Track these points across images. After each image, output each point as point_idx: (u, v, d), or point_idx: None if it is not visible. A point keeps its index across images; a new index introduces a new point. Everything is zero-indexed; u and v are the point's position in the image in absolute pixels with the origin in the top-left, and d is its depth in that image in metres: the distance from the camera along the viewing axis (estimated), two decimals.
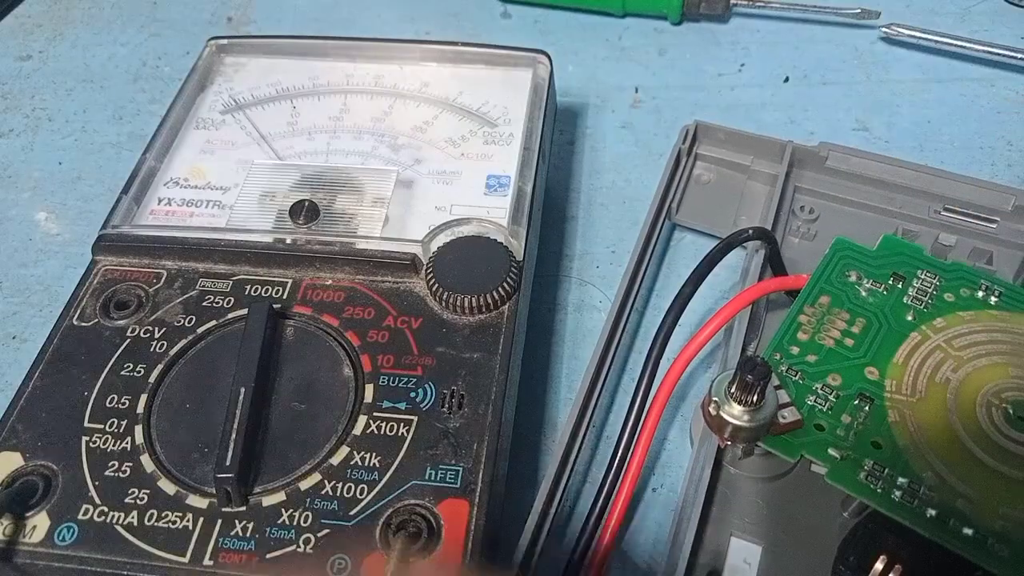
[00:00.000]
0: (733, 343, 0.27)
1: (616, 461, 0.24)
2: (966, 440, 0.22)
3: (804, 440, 0.23)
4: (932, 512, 0.21)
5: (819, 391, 0.24)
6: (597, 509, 0.24)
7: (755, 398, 0.22)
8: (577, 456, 0.26)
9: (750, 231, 0.28)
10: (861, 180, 0.33)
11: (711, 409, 0.23)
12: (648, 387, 0.25)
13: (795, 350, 0.25)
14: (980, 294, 0.25)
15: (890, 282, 0.26)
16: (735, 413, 0.22)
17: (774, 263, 0.29)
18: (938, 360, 0.24)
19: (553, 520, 0.24)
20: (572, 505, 0.27)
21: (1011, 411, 0.23)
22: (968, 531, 0.21)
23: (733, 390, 0.22)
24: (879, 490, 0.22)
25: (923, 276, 0.26)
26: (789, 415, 0.23)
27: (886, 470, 0.22)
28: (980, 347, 0.24)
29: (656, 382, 0.25)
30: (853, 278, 0.26)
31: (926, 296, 0.26)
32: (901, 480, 0.22)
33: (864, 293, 0.26)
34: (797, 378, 0.24)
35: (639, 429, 0.24)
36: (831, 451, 0.22)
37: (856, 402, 0.23)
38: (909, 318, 0.25)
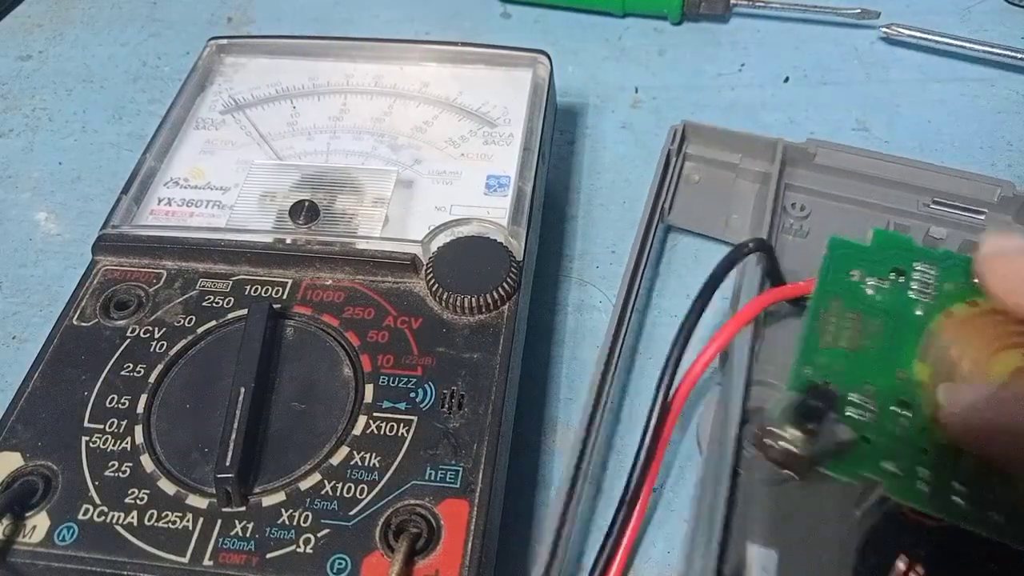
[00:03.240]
0: (737, 357, 0.27)
1: (633, 482, 0.24)
2: None
3: (857, 457, 0.22)
4: (999, 518, 0.20)
5: (858, 402, 0.23)
6: (617, 525, 0.23)
7: (818, 425, 0.21)
8: (590, 463, 0.26)
9: (750, 244, 0.27)
10: (851, 176, 0.32)
11: (769, 439, 0.22)
12: (661, 416, 0.24)
13: (823, 360, 0.24)
14: (976, 280, 0.25)
15: (891, 277, 0.26)
16: (796, 440, 0.21)
17: (772, 273, 0.28)
18: (958, 355, 0.23)
19: (570, 525, 0.24)
20: (584, 509, 0.27)
21: None
22: None
23: (795, 416, 0.21)
24: (941, 500, 0.21)
25: (920, 268, 0.26)
26: (844, 434, 0.22)
27: (942, 476, 0.21)
28: (996, 336, 0.23)
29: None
30: (856, 277, 0.26)
31: (928, 288, 0.25)
32: (959, 487, 0.21)
33: (870, 291, 0.25)
34: (833, 389, 0.23)
35: (654, 451, 0.24)
36: (885, 465, 0.21)
37: (895, 408, 0.23)
38: (919, 313, 0.25)
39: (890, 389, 0.23)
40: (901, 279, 0.26)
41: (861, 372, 0.23)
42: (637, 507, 0.24)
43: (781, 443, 0.22)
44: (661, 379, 0.25)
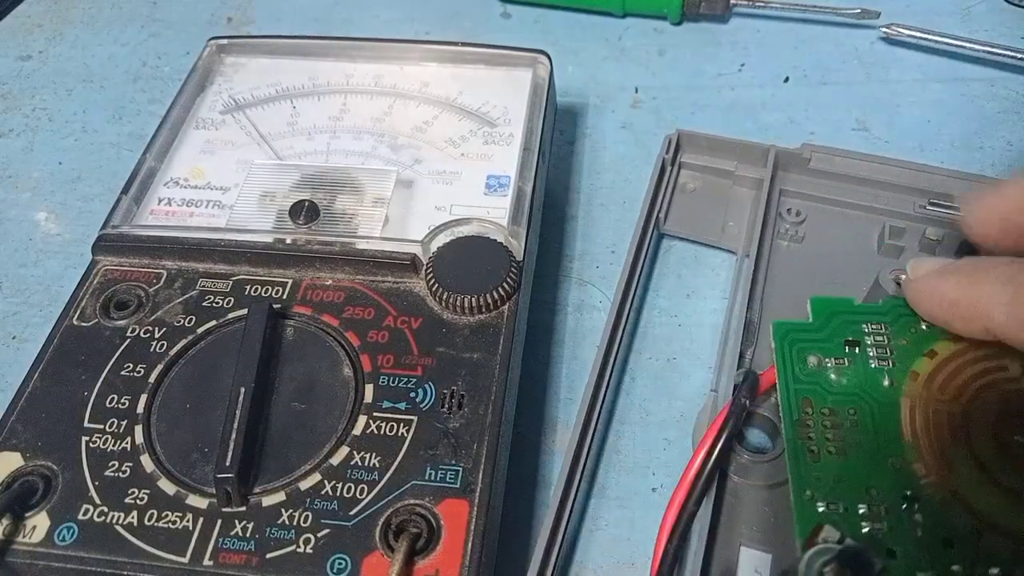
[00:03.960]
0: (728, 360, 0.27)
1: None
2: (1016, 490, 0.21)
3: None
4: None
5: (868, 513, 0.22)
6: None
7: None
8: (586, 461, 0.26)
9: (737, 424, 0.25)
10: (845, 179, 0.33)
11: None
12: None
13: (820, 477, 0.23)
14: (924, 325, 0.25)
15: (846, 351, 0.25)
16: None
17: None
18: (940, 419, 0.23)
19: (567, 524, 0.24)
20: (583, 508, 0.27)
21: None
22: None
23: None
24: None
25: (870, 330, 0.25)
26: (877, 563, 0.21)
27: (975, 566, 0.21)
28: (966, 385, 0.23)
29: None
30: (814, 363, 0.25)
31: (886, 351, 0.25)
32: (993, 571, 0.20)
33: (834, 376, 0.24)
34: (841, 510, 0.22)
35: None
36: None
37: (904, 507, 0.22)
38: (886, 384, 0.24)
39: (892, 486, 0.22)
40: (856, 350, 0.25)
41: (860, 477, 0.22)
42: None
43: None
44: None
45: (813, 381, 0.25)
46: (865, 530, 0.22)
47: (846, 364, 0.25)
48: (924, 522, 0.22)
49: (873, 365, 0.25)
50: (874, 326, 0.25)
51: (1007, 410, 0.23)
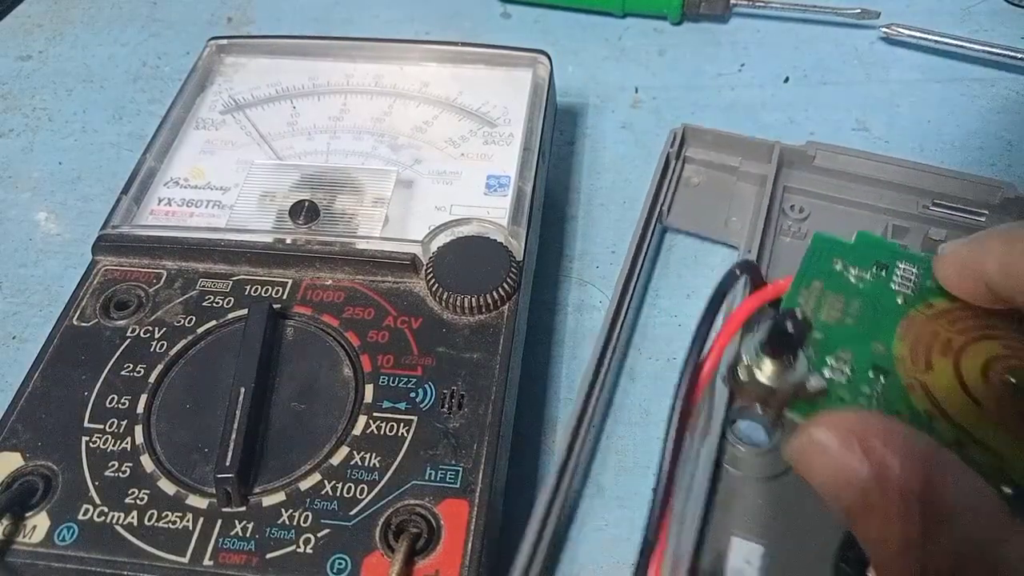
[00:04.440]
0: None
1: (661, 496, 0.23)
2: (982, 405, 0.22)
3: (828, 407, 0.22)
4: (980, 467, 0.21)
5: (833, 364, 0.23)
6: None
7: (791, 354, 0.22)
8: (579, 457, 0.26)
9: (737, 270, 0.26)
10: (850, 178, 0.33)
11: (741, 372, 0.22)
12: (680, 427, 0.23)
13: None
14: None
15: (874, 270, 0.26)
16: (769, 372, 0.22)
17: (758, 286, 0.27)
18: (938, 339, 0.24)
19: (557, 524, 0.24)
20: (573, 507, 0.27)
21: (1013, 380, 0.23)
22: (1007, 489, 0.20)
23: (768, 346, 0.22)
24: None
25: (902, 266, 0.26)
26: (815, 382, 0.23)
27: None
28: (976, 328, 0.24)
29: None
30: (839, 266, 0.26)
31: (910, 283, 0.26)
32: None
33: (853, 280, 0.26)
34: (809, 352, 0.24)
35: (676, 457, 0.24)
36: None
37: (871, 374, 0.23)
38: (900, 301, 0.25)
39: (866, 357, 0.24)
40: (883, 272, 0.26)
41: (839, 341, 0.24)
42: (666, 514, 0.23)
43: (753, 375, 0.22)
44: (674, 403, 0.23)
45: (831, 274, 0.26)
46: (826, 374, 0.23)
47: (868, 277, 0.26)
48: (883, 392, 0.23)
49: (894, 287, 0.26)
50: (907, 264, 0.26)
51: (1006, 358, 0.23)
